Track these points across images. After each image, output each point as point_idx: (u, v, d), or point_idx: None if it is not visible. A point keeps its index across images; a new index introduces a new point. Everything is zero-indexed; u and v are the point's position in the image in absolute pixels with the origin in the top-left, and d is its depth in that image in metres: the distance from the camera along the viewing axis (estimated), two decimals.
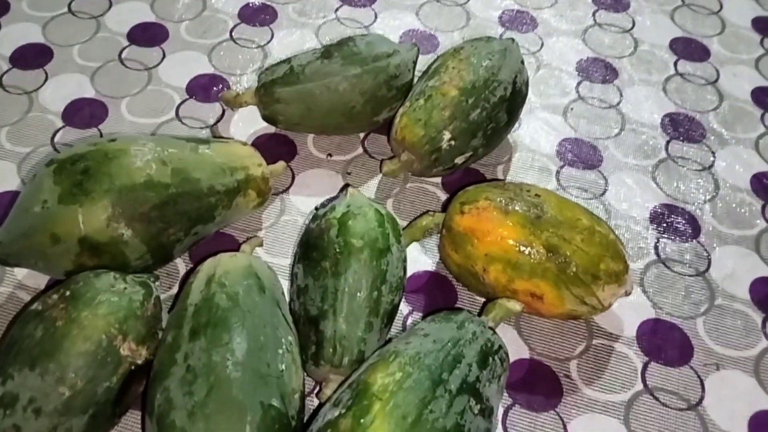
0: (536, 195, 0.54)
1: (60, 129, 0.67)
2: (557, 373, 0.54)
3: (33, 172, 0.64)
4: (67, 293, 0.47)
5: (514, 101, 0.62)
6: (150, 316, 0.48)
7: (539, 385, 0.54)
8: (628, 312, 0.58)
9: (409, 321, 0.57)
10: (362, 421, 0.41)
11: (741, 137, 0.72)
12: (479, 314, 0.51)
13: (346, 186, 0.61)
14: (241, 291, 0.48)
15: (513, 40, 0.65)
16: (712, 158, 0.70)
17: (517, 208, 0.53)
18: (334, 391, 0.47)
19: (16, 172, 0.64)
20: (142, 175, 0.52)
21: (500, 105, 0.61)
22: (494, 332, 0.49)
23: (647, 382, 0.54)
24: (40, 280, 0.57)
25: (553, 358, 0.55)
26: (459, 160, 0.61)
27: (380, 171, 0.63)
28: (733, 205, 0.66)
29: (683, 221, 0.64)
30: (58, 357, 0.44)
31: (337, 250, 0.51)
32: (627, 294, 0.54)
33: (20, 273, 0.57)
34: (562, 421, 0.52)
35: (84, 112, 0.69)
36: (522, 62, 0.64)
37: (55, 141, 0.66)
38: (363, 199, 0.55)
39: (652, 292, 0.60)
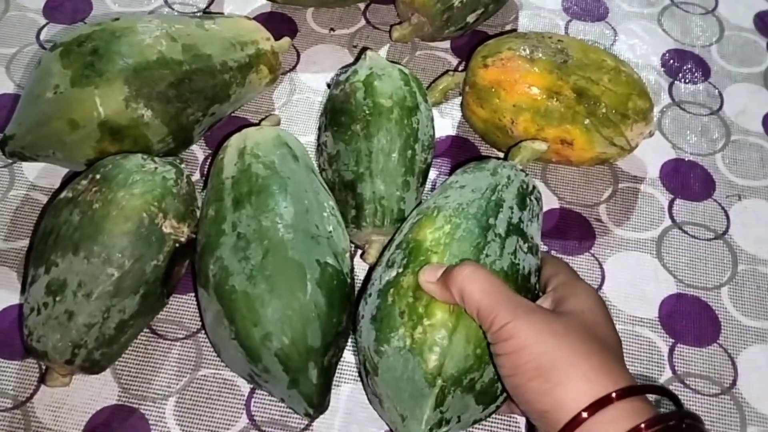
0: (558, 40, 0.53)
1: (44, 26, 0.63)
2: (588, 219, 0.55)
3: (25, 73, 0.60)
4: (98, 176, 0.45)
5: None
6: (185, 194, 0.47)
7: (572, 231, 0.55)
8: (649, 154, 0.58)
9: (437, 184, 0.56)
10: None
11: None
12: (505, 160, 0.51)
13: (363, 50, 0.59)
14: (276, 159, 0.47)
15: None
16: (714, 1, 0.69)
17: (541, 55, 0.52)
18: (381, 253, 0.47)
19: (5, 74, 0.60)
20: (153, 52, 0.49)
21: None
22: (526, 174, 0.49)
23: (674, 218, 0.56)
24: (54, 180, 0.55)
25: (582, 204, 0.56)
26: (470, 19, 0.60)
27: (390, 38, 0.61)
28: (739, 44, 0.66)
29: (693, 64, 0.65)
30: (102, 239, 0.43)
31: (367, 112, 0.50)
32: (651, 134, 0.55)
33: (32, 174, 0.55)
34: (598, 261, 0.53)
35: (66, 7, 0.65)
36: None
37: (41, 39, 0.63)
38: (384, 61, 0.53)
39: (670, 133, 0.60)
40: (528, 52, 0.52)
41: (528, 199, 0.47)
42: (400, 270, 0.42)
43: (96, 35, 0.49)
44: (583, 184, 0.57)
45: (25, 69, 0.61)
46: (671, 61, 0.65)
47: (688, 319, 0.51)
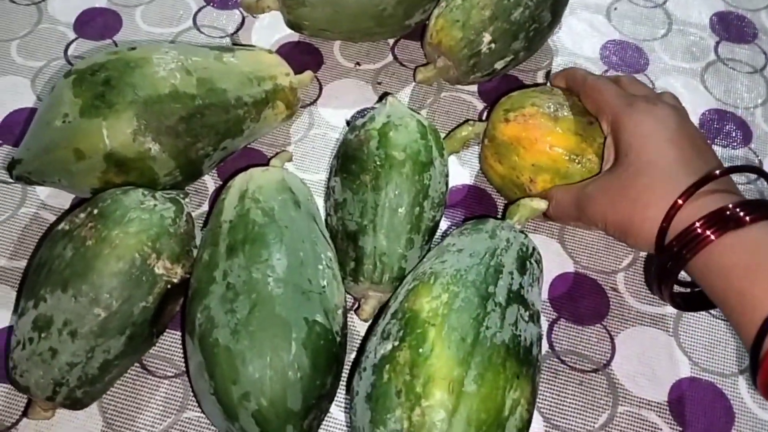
0: None
1: (73, 41, 0.64)
2: (603, 287, 0.53)
3: (48, 87, 0.61)
4: (95, 211, 0.45)
5: None
6: (183, 234, 0.46)
7: (585, 298, 0.52)
8: None
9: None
10: (421, 350, 0.39)
11: None
12: (502, 217, 0.49)
13: (385, 95, 0.58)
14: (276, 206, 0.46)
15: None
16: (764, 60, 0.65)
17: (566, 114, 0.50)
18: (375, 320, 0.45)
19: (30, 87, 0.61)
20: (166, 86, 0.48)
21: (544, 3, 0.57)
22: (526, 235, 0.46)
23: None
24: (64, 200, 0.55)
25: (598, 271, 0.53)
26: (499, 65, 0.57)
27: (414, 79, 0.59)
28: None
29: (734, 126, 0.61)
30: (91, 278, 0.42)
31: (378, 163, 0.48)
32: None
33: (43, 193, 0.55)
34: (609, 334, 0.51)
35: (96, 23, 0.65)
36: None
37: (69, 54, 0.63)
38: (404, 109, 0.51)
39: None
40: (553, 109, 0.50)
41: (528, 263, 0.45)
42: (396, 343, 0.40)
43: (110, 65, 0.48)
44: (601, 248, 0.54)
45: (49, 84, 0.61)
46: (710, 122, 0.61)
47: (700, 407, 0.48)
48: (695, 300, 0.45)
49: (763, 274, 0.38)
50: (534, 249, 0.46)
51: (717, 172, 0.42)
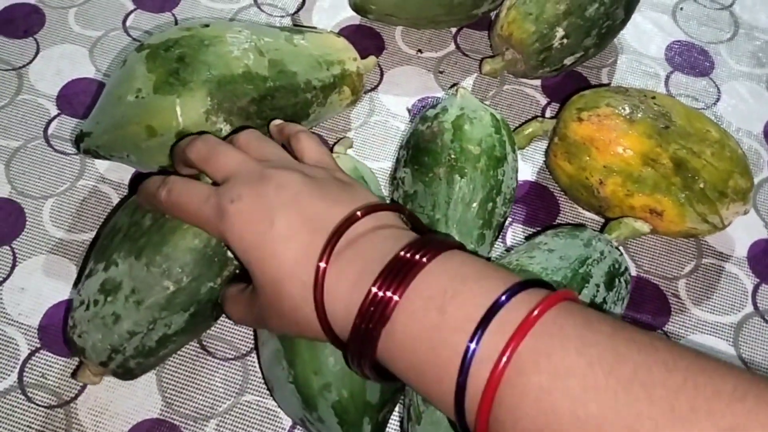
0: (662, 103, 0.50)
1: (132, 12, 0.63)
2: (665, 292, 0.52)
3: (107, 58, 0.60)
4: None
5: None
6: None
7: (646, 303, 0.52)
8: (739, 231, 0.55)
9: (509, 233, 0.54)
10: None
11: None
12: (601, 232, 0.48)
13: (454, 85, 0.57)
14: None
15: None
16: None
17: (642, 116, 0.49)
18: None
19: (88, 57, 0.60)
20: (240, 66, 0.48)
21: (618, 0, 0.56)
22: (621, 253, 0.46)
23: (758, 305, 0.52)
24: (123, 174, 0.54)
25: (660, 276, 0.53)
26: (568, 61, 0.57)
27: (480, 70, 0.58)
28: None
29: None
30: (166, 250, 0.42)
31: (452, 156, 0.47)
32: (746, 212, 0.51)
33: (102, 166, 0.54)
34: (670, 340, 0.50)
35: None
36: None
37: (128, 25, 0.62)
38: (476, 102, 0.50)
39: (765, 211, 0.56)
40: (628, 111, 0.49)
41: (617, 280, 0.44)
42: None
43: (184, 41, 0.47)
44: (664, 253, 0.54)
45: (107, 55, 0.60)
46: None
47: None
48: None
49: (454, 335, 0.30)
50: (626, 269, 0.46)
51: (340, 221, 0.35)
